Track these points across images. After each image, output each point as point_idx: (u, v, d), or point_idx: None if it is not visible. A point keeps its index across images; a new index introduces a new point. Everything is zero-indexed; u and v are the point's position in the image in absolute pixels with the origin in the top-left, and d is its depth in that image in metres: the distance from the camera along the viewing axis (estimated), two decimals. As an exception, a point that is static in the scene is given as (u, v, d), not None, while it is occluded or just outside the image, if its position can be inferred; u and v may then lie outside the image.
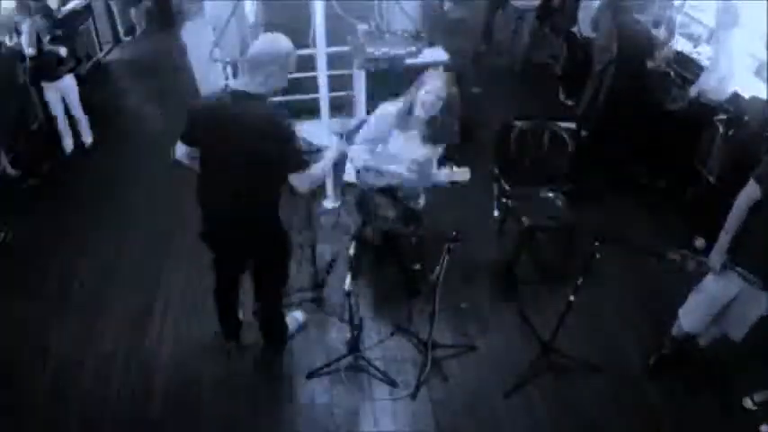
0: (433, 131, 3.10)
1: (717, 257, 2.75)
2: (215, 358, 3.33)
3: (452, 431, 2.96)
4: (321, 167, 2.68)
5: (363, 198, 3.42)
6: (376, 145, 3.19)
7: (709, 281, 2.85)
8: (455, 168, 2.98)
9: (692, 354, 3.22)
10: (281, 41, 2.45)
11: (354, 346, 3.20)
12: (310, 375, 3.19)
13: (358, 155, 3.20)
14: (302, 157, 2.54)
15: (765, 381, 3.11)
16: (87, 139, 5.39)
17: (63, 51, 4.82)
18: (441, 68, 3.12)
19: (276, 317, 3.25)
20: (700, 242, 4.04)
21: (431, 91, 2.98)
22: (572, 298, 2.94)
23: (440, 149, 3.21)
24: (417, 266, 3.61)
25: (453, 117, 3.11)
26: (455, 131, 3.19)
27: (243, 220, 2.62)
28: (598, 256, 2.74)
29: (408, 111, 3.07)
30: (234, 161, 2.46)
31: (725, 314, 2.89)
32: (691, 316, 2.99)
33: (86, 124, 5.35)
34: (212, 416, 3.02)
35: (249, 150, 2.42)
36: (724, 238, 2.69)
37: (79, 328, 3.51)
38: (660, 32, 4.66)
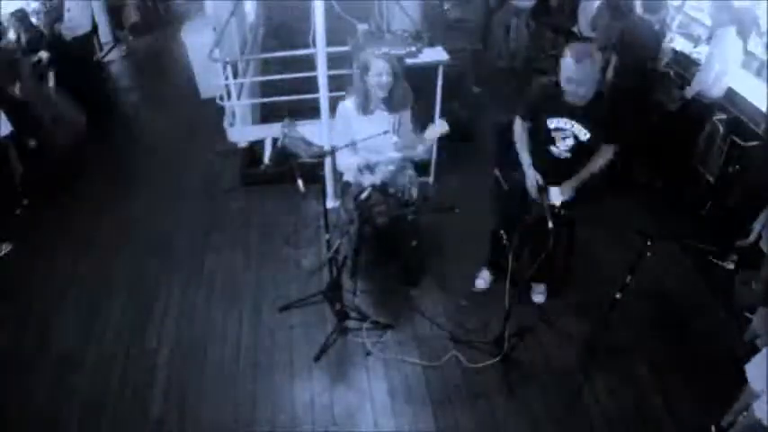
0: (394, 102, 3.29)
1: None
2: (215, 359, 3.33)
3: (452, 431, 2.97)
4: None
5: (359, 196, 3.44)
6: (352, 142, 3.27)
7: None
8: (431, 126, 3.14)
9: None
10: None
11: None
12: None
13: (344, 159, 3.33)
14: None
15: None
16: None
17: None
18: (374, 50, 3.27)
19: None
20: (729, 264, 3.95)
21: (381, 72, 3.13)
22: (618, 296, 2.90)
23: (407, 114, 3.39)
24: (414, 243, 3.63)
25: (403, 83, 3.32)
26: (410, 94, 3.39)
27: None
28: (649, 254, 2.67)
29: (366, 96, 3.24)
30: None
31: None
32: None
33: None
34: (212, 416, 3.02)
35: None
36: None
37: (80, 327, 3.53)
38: (666, 32, 4.65)
